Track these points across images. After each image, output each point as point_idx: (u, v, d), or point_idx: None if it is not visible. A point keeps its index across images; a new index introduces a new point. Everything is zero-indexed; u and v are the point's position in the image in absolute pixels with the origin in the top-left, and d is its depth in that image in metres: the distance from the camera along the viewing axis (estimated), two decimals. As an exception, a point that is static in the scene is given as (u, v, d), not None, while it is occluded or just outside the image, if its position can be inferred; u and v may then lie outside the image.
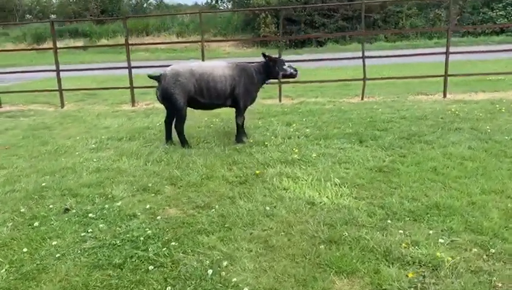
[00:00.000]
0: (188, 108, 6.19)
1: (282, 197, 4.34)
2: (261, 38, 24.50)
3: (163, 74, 6.07)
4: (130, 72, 10.00)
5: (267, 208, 4.11)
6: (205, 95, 6.11)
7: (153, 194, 4.61)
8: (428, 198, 4.17)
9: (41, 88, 11.56)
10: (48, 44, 28.98)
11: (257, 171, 5.04)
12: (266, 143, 6.22)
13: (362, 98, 9.57)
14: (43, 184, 4.99)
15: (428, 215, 3.82)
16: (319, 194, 4.39)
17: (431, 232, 3.52)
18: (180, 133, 6.27)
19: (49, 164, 5.75)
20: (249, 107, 6.62)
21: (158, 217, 4.04)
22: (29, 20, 42.76)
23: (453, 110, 7.90)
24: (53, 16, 41.70)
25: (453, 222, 3.66)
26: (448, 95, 9.46)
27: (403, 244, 3.33)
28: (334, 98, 9.91)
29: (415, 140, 6.12)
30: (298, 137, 6.53)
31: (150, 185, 4.83)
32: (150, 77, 6.19)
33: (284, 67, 6.30)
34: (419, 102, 8.99)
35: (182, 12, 33.70)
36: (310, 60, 12.38)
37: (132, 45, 11.11)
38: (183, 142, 6.25)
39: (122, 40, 29.17)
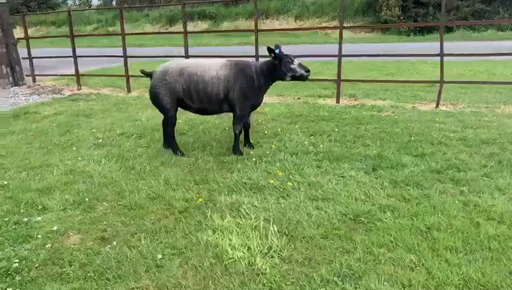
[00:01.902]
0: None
1: (194, 243, 3.48)
2: (356, 26, 22.32)
3: (154, 71, 5.50)
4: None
5: (159, 256, 3.31)
6: (194, 98, 5.38)
7: (80, 212, 4.15)
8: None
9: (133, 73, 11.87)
10: (178, 27, 30.80)
11: (200, 199, 4.20)
12: (261, 158, 5.28)
13: (437, 105, 7.75)
14: (5, 182, 4.87)
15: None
16: (242, 245, 3.41)
17: None
18: (169, 137, 5.68)
19: (38, 158, 5.68)
20: (258, 109, 5.73)
21: (48, 245, 3.55)
22: (165, 2, 45.82)
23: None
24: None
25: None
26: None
27: None
28: (404, 102, 8.25)
29: (446, 176, 4.59)
30: (306, 154, 5.42)
31: (87, 199, 4.36)
32: (143, 72, 5.69)
33: (292, 66, 5.18)
34: (508, 117, 6.91)
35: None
36: (410, 55, 10.49)
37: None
38: (174, 148, 5.64)
39: (243, 24, 29.71)
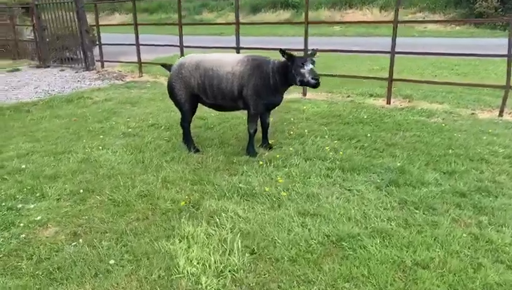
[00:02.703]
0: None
1: (155, 251, 3.32)
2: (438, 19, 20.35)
3: (173, 65, 5.41)
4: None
5: (111, 261, 3.19)
6: (209, 94, 5.19)
7: (70, 203, 4.20)
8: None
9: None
10: (260, 16, 30.80)
11: (183, 202, 4.01)
12: (271, 162, 4.97)
13: (500, 114, 6.77)
14: (22, 166, 5.11)
15: None
16: (201, 259, 3.18)
17: None
18: (184, 133, 5.56)
19: (65, 144, 5.90)
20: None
21: (23, 235, 3.61)
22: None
23: None
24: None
25: None
26: None
27: None
28: (464, 107, 7.33)
29: (469, 201, 3.95)
30: (322, 160, 5.00)
31: (81, 191, 4.40)
32: (163, 66, 5.62)
33: (302, 70, 4.72)
34: None
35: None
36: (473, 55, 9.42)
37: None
38: (188, 143, 5.53)
39: (325, 14, 28.90)
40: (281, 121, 6.66)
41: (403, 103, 7.74)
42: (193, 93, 5.26)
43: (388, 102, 7.65)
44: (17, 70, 13.32)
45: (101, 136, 6.20)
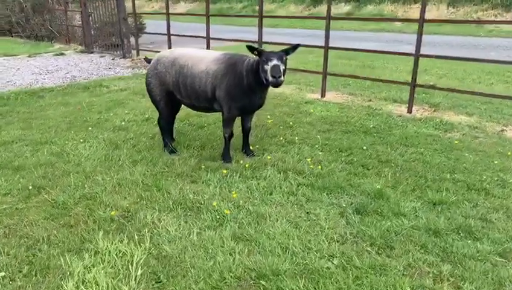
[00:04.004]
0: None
1: (47, 268, 3.05)
2: None
3: (153, 59, 5.12)
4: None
5: (2, 274, 2.95)
6: (183, 93, 4.84)
7: (13, 199, 4.05)
8: None
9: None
10: (322, 7, 29.82)
11: (113, 213, 3.70)
12: (237, 172, 4.54)
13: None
14: (-3, 153, 5.09)
15: None
16: (88, 283, 2.86)
17: None
18: (162, 132, 5.26)
19: (52, 135, 5.84)
20: (257, 111, 4.97)
21: None
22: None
23: None
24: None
25: None
26: None
27: None
28: (495, 122, 6.38)
29: (440, 243, 3.30)
30: (296, 174, 4.50)
31: (31, 187, 4.25)
32: (145, 60, 5.35)
33: (266, 67, 4.15)
34: None
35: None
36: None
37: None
38: (165, 143, 5.22)
39: (387, 8, 27.39)
40: (279, 123, 6.16)
41: (426, 112, 6.90)
42: (169, 90, 4.93)
43: (409, 110, 6.85)
44: (62, 54, 13.77)
45: (90, 128, 6.07)
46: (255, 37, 8.73)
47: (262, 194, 4.05)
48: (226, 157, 4.86)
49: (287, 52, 4.34)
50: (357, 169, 4.62)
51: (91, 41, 14.16)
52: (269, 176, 4.43)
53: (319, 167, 4.61)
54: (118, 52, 13.13)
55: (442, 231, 3.40)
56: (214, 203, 3.81)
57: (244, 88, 4.51)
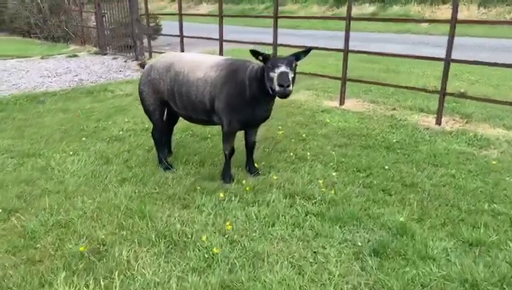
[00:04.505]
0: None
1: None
2: None
3: (147, 64, 4.57)
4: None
5: None
6: (178, 103, 4.27)
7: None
8: None
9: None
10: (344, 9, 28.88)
11: (82, 248, 3.14)
12: (238, 195, 3.94)
13: None
14: (-24, 168, 4.63)
15: None
16: None
17: None
18: (156, 146, 4.70)
19: (42, 146, 5.37)
20: (263, 124, 4.37)
21: None
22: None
23: None
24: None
25: None
26: None
27: None
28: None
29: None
30: (305, 199, 3.88)
31: (0, 210, 3.73)
32: (140, 65, 4.79)
33: (272, 74, 3.55)
34: None
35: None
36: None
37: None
38: (159, 158, 4.66)
39: (413, 9, 26.39)
40: (290, 136, 5.53)
41: (456, 123, 6.15)
42: (163, 100, 4.37)
43: (438, 122, 6.11)
44: (75, 56, 13.45)
45: (84, 138, 5.57)
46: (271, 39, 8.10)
47: (262, 226, 3.43)
48: (225, 177, 4.26)
49: (297, 57, 3.73)
50: (377, 194, 3.95)
51: (105, 43, 13.81)
52: (273, 201, 3.81)
53: (332, 191, 3.96)
54: (131, 54, 12.71)
55: (482, 283, 2.72)
56: (204, 238, 3.21)
57: (246, 99, 3.90)
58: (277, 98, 3.82)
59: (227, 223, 3.41)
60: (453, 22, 5.80)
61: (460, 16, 22.10)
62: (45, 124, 6.24)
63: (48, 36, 17.22)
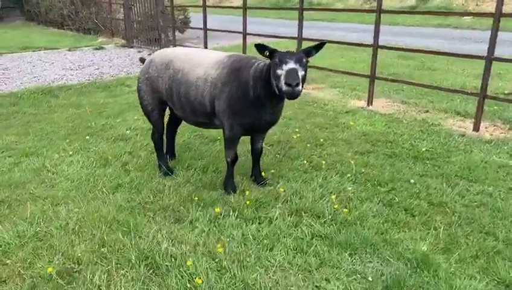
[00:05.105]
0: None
1: None
2: None
3: (147, 60, 4.19)
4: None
5: None
6: (176, 104, 3.87)
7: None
8: None
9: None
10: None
11: (49, 269, 2.77)
12: (237, 210, 3.50)
13: None
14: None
15: None
16: None
17: None
18: (156, 149, 4.32)
19: (44, 144, 5.12)
20: (270, 131, 3.91)
21: None
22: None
23: None
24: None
25: None
26: None
27: None
28: None
29: None
30: (314, 217, 3.40)
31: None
32: (140, 59, 4.41)
33: (279, 72, 3.09)
34: None
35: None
36: None
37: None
38: (159, 162, 4.28)
39: (459, 1, 25.01)
40: (307, 140, 5.04)
41: (497, 130, 5.47)
42: (162, 99, 3.98)
43: (476, 128, 5.44)
44: (102, 48, 13.35)
45: (88, 137, 5.27)
46: (306, 32, 7.52)
47: (259, 249, 2.98)
48: (227, 186, 3.83)
49: (308, 53, 3.24)
50: (398, 215, 3.41)
51: (132, 35, 13.63)
52: (276, 219, 3.35)
53: (346, 209, 3.44)
54: (156, 48, 12.44)
55: None
56: (189, 263, 2.79)
57: (250, 101, 3.45)
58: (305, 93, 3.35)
59: (219, 245, 2.97)
60: (497, 15, 5.11)
61: (507, 8, 20.75)
62: (53, 120, 6.01)
63: (80, 28, 17.26)
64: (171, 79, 3.80)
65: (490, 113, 5.92)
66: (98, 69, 10.00)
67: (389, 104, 6.73)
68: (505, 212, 3.42)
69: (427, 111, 6.34)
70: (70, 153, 4.76)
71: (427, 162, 4.43)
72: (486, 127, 5.54)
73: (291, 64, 3.06)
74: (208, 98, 3.60)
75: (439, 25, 18.83)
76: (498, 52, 5.26)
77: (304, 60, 3.17)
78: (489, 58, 5.24)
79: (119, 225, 3.28)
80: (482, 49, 5.54)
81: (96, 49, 13.18)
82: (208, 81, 3.59)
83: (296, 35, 7.58)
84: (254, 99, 3.43)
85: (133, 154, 4.72)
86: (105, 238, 3.12)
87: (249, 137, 3.94)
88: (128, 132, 5.49)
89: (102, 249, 3.01)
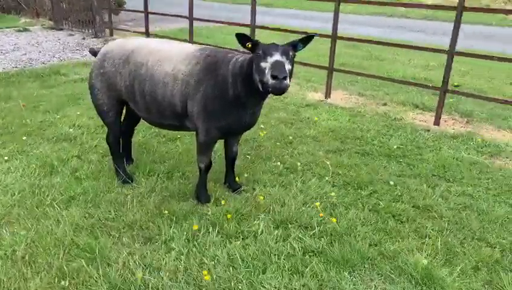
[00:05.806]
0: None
1: None
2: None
3: (99, 52, 3.60)
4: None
5: None
6: (139, 104, 3.36)
7: None
8: None
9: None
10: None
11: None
12: (218, 225, 3.10)
13: None
14: None
15: None
16: None
17: None
18: (112, 154, 3.78)
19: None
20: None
21: None
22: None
23: None
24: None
25: None
26: None
27: None
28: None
29: None
30: (302, 228, 3.12)
31: None
32: (91, 52, 3.81)
33: (263, 65, 2.75)
34: None
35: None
36: None
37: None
38: (117, 169, 3.74)
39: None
40: (274, 137, 4.73)
41: (457, 123, 5.52)
42: (120, 98, 3.45)
43: (437, 122, 5.44)
44: (26, 30, 12.06)
45: (25, 137, 4.57)
46: (261, 19, 7.18)
47: (250, 273, 2.64)
48: (201, 196, 3.43)
49: (294, 46, 2.90)
50: (387, 222, 3.23)
51: (61, 17, 12.44)
52: (261, 233, 3.02)
53: (333, 218, 3.19)
54: (90, 31, 11.47)
55: None
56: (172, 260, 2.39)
57: (229, 100, 3.06)
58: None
59: (205, 271, 2.59)
60: (459, 9, 5.09)
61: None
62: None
63: (-3, 6, 15.54)
64: (132, 75, 3.29)
65: (447, 106, 5.97)
66: (25, 54, 8.96)
67: (346, 97, 6.61)
68: (490, 215, 3.36)
69: (385, 104, 6.28)
70: (6, 158, 4.08)
71: (401, 160, 4.32)
72: (445, 121, 5.58)
73: (276, 57, 2.72)
74: (179, 97, 3.16)
75: (374, 13, 19.22)
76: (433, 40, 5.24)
77: (291, 54, 2.84)
78: (452, 53, 5.23)
79: (80, 250, 2.78)
80: (421, 38, 5.51)
81: (20, 31, 11.89)
82: (178, 79, 3.15)
83: (249, 23, 7.21)
84: (233, 98, 3.05)
85: (82, 158, 4.15)
86: (64, 268, 2.62)
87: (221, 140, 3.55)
88: (71, 130, 4.86)
89: (63, 283, 2.51)
